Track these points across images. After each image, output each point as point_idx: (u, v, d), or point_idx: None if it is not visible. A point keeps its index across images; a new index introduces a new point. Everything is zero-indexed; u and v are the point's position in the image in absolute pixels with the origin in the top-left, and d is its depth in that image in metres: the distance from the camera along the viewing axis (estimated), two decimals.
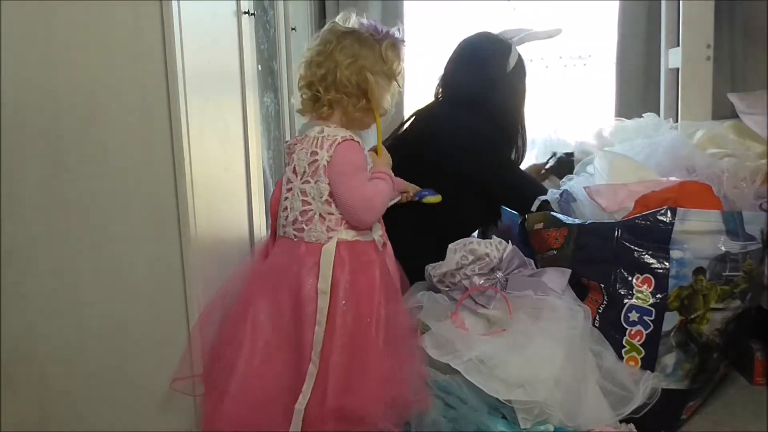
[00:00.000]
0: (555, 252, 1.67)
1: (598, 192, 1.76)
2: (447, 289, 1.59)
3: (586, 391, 1.42)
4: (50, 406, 1.24)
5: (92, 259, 1.20)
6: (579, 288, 1.60)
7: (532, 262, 1.65)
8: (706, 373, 1.59)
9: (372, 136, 1.45)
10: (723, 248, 1.52)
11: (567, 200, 1.90)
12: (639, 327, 1.52)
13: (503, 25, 2.85)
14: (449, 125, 1.84)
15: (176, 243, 1.19)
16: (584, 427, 1.39)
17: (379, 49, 1.35)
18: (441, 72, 2.01)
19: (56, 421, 1.24)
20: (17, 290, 1.20)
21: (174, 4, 1.12)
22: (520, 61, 1.98)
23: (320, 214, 1.30)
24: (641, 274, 1.53)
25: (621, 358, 1.52)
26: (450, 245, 1.59)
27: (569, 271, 1.59)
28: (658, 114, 2.56)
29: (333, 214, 1.31)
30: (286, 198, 1.34)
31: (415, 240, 1.64)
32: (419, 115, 1.96)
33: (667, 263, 1.51)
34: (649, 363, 1.51)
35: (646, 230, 1.54)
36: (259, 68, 1.85)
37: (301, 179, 1.31)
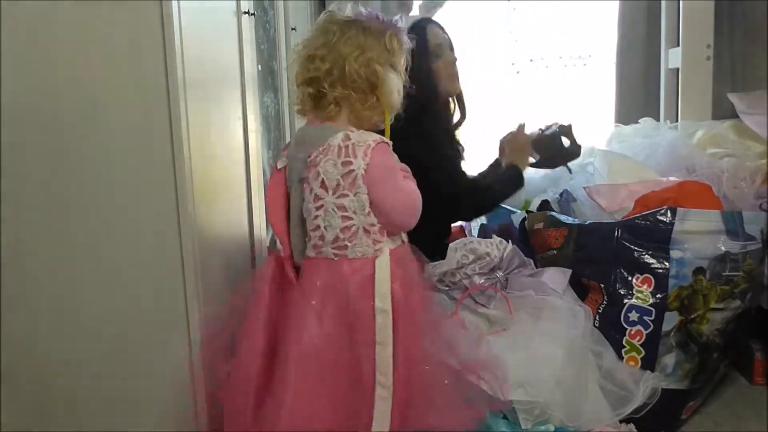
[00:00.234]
0: (555, 252, 1.67)
1: (598, 192, 1.76)
2: (447, 288, 1.59)
3: (586, 392, 1.42)
4: (50, 406, 1.23)
5: (92, 259, 1.20)
6: (579, 288, 1.60)
7: (531, 262, 1.65)
8: (706, 373, 1.59)
9: None
10: (723, 248, 1.52)
11: (567, 200, 1.90)
12: (639, 327, 1.52)
13: (503, 24, 2.86)
14: None
15: (176, 243, 1.19)
16: (584, 427, 1.39)
17: (384, 39, 1.24)
18: None
19: (56, 421, 1.23)
20: (17, 290, 1.20)
21: (174, 4, 1.12)
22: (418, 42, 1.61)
23: (364, 228, 1.19)
24: (641, 274, 1.53)
25: (621, 358, 1.52)
26: (451, 244, 1.59)
27: (569, 271, 1.59)
28: (658, 113, 2.57)
29: (375, 225, 1.20)
30: (317, 216, 1.20)
31: None
32: None
33: (667, 263, 1.51)
34: (649, 363, 1.51)
35: (646, 230, 1.54)
36: (259, 68, 1.85)
37: (334, 194, 1.19)
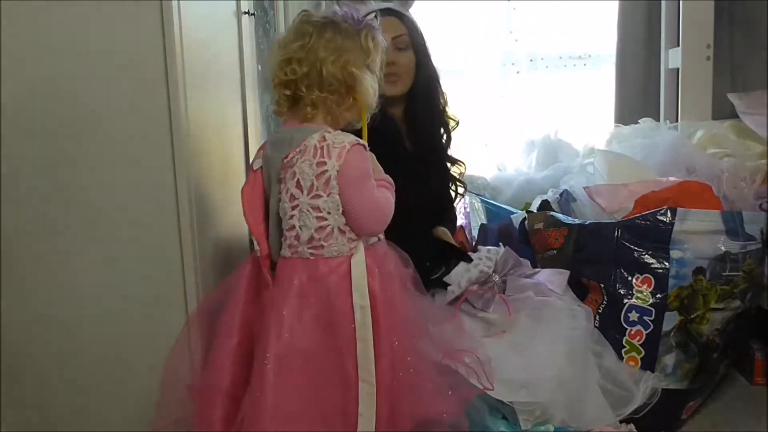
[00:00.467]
0: (555, 252, 1.67)
1: (598, 192, 1.76)
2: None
3: (587, 392, 1.42)
4: (50, 406, 1.23)
5: (92, 259, 1.20)
6: (579, 288, 1.60)
7: (528, 262, 1.65)
8: (706, 373, 1.59)
9: None
10: (723, 248, 1.52)
11: (567, 200, 1.90)
12: (639, 327, 1.52)
13: (503, 24, 2.86)
14: None
15: (176, 243, 1.19)
16: (585, 427, 1.39)
17: (359, 39, 1.23)
18: None
19: (56, 421, 1.23)
20: (17, 290, 1.20)
21: (174, 4, 1.12)
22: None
23: (339, 228, 1.20)
24: (641, 274, 1.53)
25: (621, 358, 1.52)
26: (445, 279, 1.55)
27: (567, 272, 1.59)
28: (658, 114, 2.57)
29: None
30: (292, 216, 1.21)
31: None
32: None
33: (667, 263, 1.51)
34: (649, 363, 1.51)
35: (646, 230, 1.54)
36: (259, 68, 1.85)
37: (309, 194, 1.19)
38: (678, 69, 2.39)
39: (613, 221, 1.62)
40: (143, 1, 1.12)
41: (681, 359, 1.53)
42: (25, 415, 1.23)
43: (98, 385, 1.24)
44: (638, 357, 1.52)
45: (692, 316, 1.52)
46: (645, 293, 1.53)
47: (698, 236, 1.52)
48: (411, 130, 1.76)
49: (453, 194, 1.87)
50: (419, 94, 1.74)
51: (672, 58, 2.49)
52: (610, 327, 1.54)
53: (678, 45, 2.39)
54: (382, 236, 1.29)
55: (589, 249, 1.60)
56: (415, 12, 2.77)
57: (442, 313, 1.44)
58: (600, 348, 1.51)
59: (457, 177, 1.88)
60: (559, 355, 1.41)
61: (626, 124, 2.43)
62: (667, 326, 1.51)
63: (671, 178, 1.75)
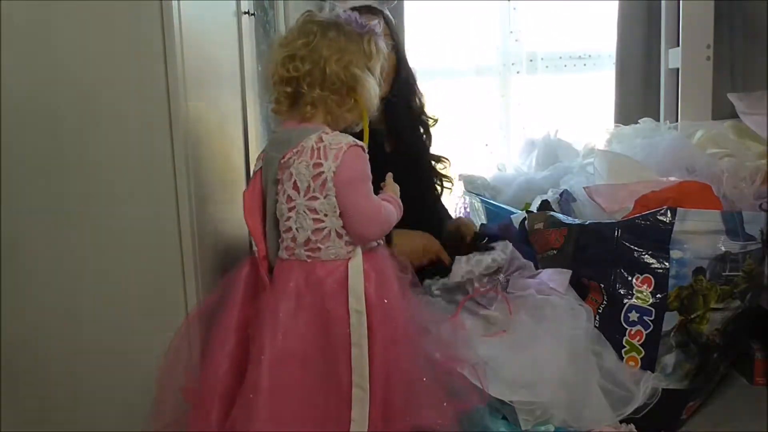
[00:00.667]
0: (555, 252, 1.67)
1: (598, 192, 1.76)
2: (446, 294, 1.58)
3: (588, 392, 1.42)
4: (50, 406, 1.23)
5: (92, 259, 1.20)
6: (579, 288, 1.60)
7: (531, 264, 1.65)
8: (706, 373, 1.59)
9: None
10: (723, 248, 1.52)
11: (567, 200, 1.90)
12: (639, 327, 1.52)
13: (503, 24, 2.85)
14: None
15: (176, 243, 1.19)
16: (585, 427, 1.39)
17: (362, 42, 1.23)
18: None
19: (56, 421, 1.23)
20: (17, 290, 1.20)
21: (174, 4, 1.12)
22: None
23: (336, 230, 1.19)
24: (641, 274, 1.53)
25: (621, 358, 1.52)
26: (457, 256, 1.56)
27: (569, 271, 1.59)
28: (658, 113, 2.57)
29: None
30: (289, 218, 1.20)
31: None
32: None
33: (666, 263, 1.51)
34: (649, 363, 1.51)
35: (646, 230, 1.54)
36: (259, 68, 1.85)
37: (305, 196, 1.18)
38: (678, 69, 2.39)
39: (613, 221, 1.61)
40: (143, 1, 1.12)
41: (681, 359, 1.53)
42: (25, 415, 1.23)
43: (98, 386, 1.24)
44: (638, 357, 1.52)
45: (692, 316, 1.52)
46: (645, 293, 1.52)
47: (698, 236, 1.52)
48: (391, 131, 1.76)
49: (439, 190, 1.91)
50: (399, 94, 1.73)
51: (672, 58, 2.49)
52: (610, 327, 1.54)
53: (678, 45, 2.39)
54: (381, 241, 1.28)
55: (589, 249, 1.60)
56: (415, 12, 2.78)
57: (440, 318, 1.43)
58: (600, 348, 1.51)
59: (443, 174, 1.89)
60: (561, 354, 1.41)
61: (626, 124, 2.43)
62: (667, 326, 1.51)
63: (671, 178, 1.75)
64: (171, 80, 1.14)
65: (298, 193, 1.19)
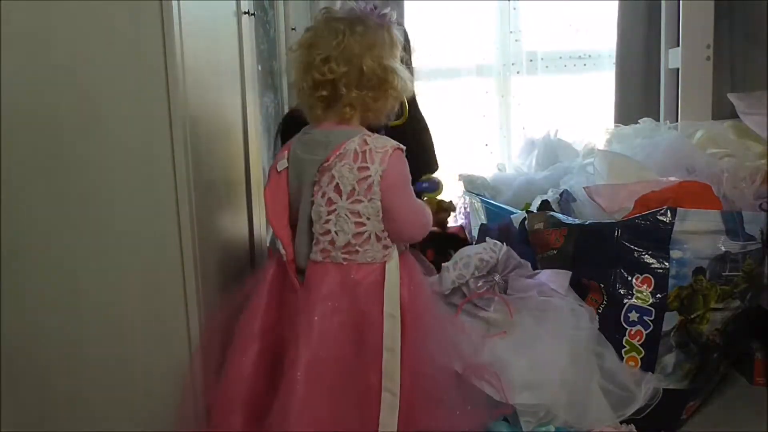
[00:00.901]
0: (555, 252, 1.67)
1: (598, 192, 1.76)
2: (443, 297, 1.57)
3: (590, 393, 1.42)
4: (50, 406, 1.23)
5: (92, 259, 1.20)
6: (579, 288, 1.60)
7: (529, 264, 1.65)
8: (706, 373, 1.59)
9: None
10: (723, 248, 1.52)
11: (567, 200, 1.90)
12: (639, 327, 1.52)
13: (503, 24, 2.85)
14: None
15: (176, 243, 1.19)
16: (586, 428, 1.39)
17: (384, 33, 1.22)
18: None
19: (56, 421, 1.23)
20: (17, 290, 1.20)
21: (174, 4, 1.12)
22: None
23: (376, 234, 1.18)
24: (641, 274, 1.53)
25: (621, 358, 1.52)
26: (443, 264, 1.56)
27: (569, 272, 1.59)
28: (658, 113, 2.57)
29: (386, 231, 1.20)
30: (328, 221, 1.18)
31: None
32: None
33: (666, 263, 1.51)
34: (649, 363, 1.51)
35: (646, 230, 1.54)
36: (259, 68, 1.85)
37: (348, 199, 1.17)
38: (678, 69, 2.39)
39: (613, 221, 1.62)
40: (143, 1, 1.12)
41: (681, 359, 1.53)
42: (25, 415, 1.23)
43: (98, 386, 1.24)
44: (638, 357, 1.52)
45: (692, 316, 1.52)
46: (645, 293, 1.53)
47: (698, 236, 1.52)
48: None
49: None
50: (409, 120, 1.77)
51: (672, 58, 2.49)
52: (610, 327, 1.54)
53: (678, 45, 2.39)
54: (407, 246, 1.28)
55: (589, 249, 1.60)
56: (415, 12, 2.78)
57: (465, 327, 1.44)
58: (601, 349, 1.51)
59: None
60: (563, 356, 1.41)
61: (626, 124, 2.43)
62: (667, 326, 1.51)
63: (671, 178, 1.75)
64: (171, 80, 1.13)
65: (340, 196, 1.18)
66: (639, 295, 1.53)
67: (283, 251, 1.25)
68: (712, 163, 1.85)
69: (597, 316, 1.55)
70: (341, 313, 1.17)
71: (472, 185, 2.40)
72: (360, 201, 1.17)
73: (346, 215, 1.18)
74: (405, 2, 2.75)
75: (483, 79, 2.94)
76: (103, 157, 1.17)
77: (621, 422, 1.44)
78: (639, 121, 2.35)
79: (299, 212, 1.24)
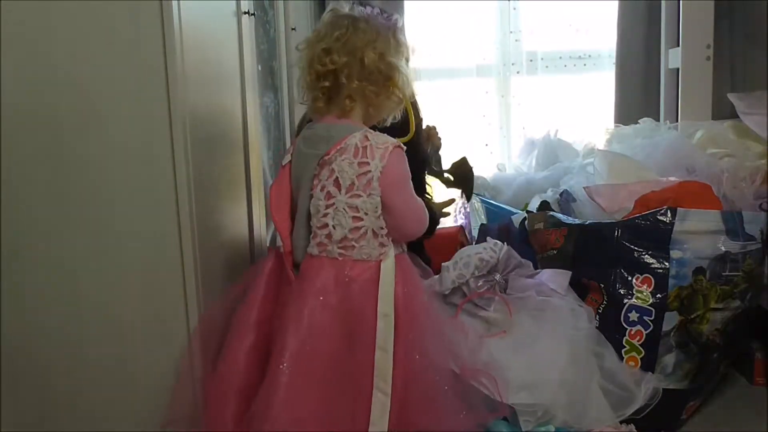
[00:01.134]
0: (555, 252, 1.67)
1: (598, 192, 1.76)
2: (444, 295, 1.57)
3: (589, 392, 1.42)
4: (50, 406, 1.23)
5: (92, 259, 1.20)
6: (579, 288, 1.60)
7: (530, 263, 1.65)
8: (706, 373, 1.59)
9: None
10: (723, 248, 1.52)
11: (567, 200, 1.90)
12: (639, 327, 1.52)
13: (503, 24, 2.85)
14: None
15: (176, 243, 1.19)
16: (585, 427, 1.39)
17: (389, 35, 1.24)
18: None
19: (56, 421, 1.23)
20: (17, 290, 1.20)
21: (174, 4, 1.12)
22: None
23: (373, 230, 1.19)
24: (641, 274, 1.53)
25: (621, 358, 1.52)
26: (443, 264, 1.56)
27: (569, 272, 1.59)
28: (658, 113, 2.58)
29: (384, 228, 1.20)
30: (326, 214, 1.19)
31: None
32: None
33: (666, 263, 1.51)
34: (649, 363, 1.51)
35: (646, 230, 1.54)
36: (259, 68, 1.85)
37: (347, 193, 1.18)
38: (678, 69, 2.39)
39: (613, 221, 1.62)
40: (143, 1, 1.12)
41: (681, 359, 1.53)
42: (25, 415, 1.23)
43: (98, 385, 1.24)
44: (638, 357, 1.52)
45: (692, 316, 1.52)
46: (645, 293, 1.53)
47: (698, 236, 1.52)
48: None
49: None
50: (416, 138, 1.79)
51: (672, 58, 2.49)
52: (610, 327, 1.54)
53: (678, 45, 2.39)
54: (405, 246, 1.28)
55: (589, 249, 1.60)
56: (415, 12, 2.78)
57: (461, 327, 1.44)
58: (601, 349, 1.51)
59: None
60: (562, 355, 1.41)
61: (626, 124, 2.43)
62: (667, 326, 1.51)
63: (671, 178, 1.76)
64: (171, 80, 1.13)
65: (339, 190, 1.18)
66: (639, 295, 1.53)
67: (280, 244, 1.26)
68: (712, 163, 1.85)
69: (597, 316, 1.55)
70: (333, 308, 1.17)
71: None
72: (359, 196, 1.18)
73: (344, 209, 1.18)
74: (405, 2, 2.76)
75: (483, 79, 2.94)
76: (103, 157, 1.16)
77: (621, 422, 1.44)
78: (639, 121, 2.36)
79: (298, 205, 1.25)
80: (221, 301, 1.26)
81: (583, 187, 1.82)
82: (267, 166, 1.92)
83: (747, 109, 2.16)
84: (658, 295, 1.51)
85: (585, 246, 1.61)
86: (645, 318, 1.52)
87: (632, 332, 1.52)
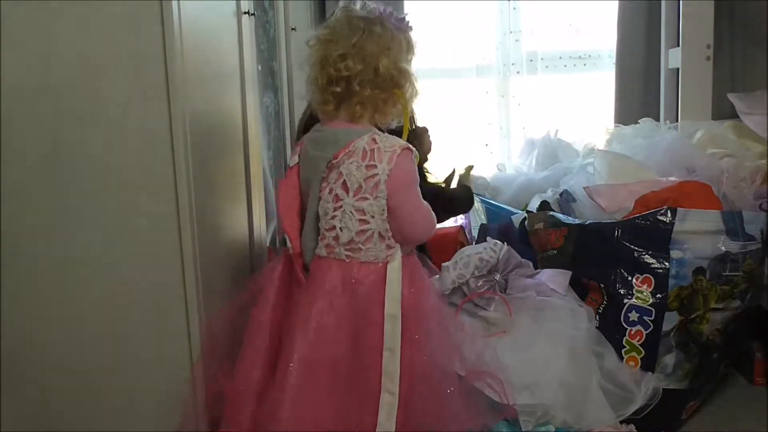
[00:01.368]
0: (555, 252, 1.67)
1: (598, 192, 1.76)
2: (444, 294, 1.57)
3: (589, 392, 1.42)
4: (50, 406, 1.23)
5: (92, 259, 1.20)
6: (579, 288, 1.60)
7: (530, 263, 1.65)
8: (706, 373, 1.59)
9: None
10: (723, 248, 1.52)
11: (567, 200, 1.90)
12: (639, 327, 1.52)
13: (503, 24, 2.86)
14: None
15: (176, 243, 1.19)
16: (585, 427, 1.39)
17: (401, 37, 1.23)
18: None
19: (56, 421, 1.23)
20: (17, 291, 1.20)
21: (174, 4, 1.12)
22: None
23: (380, 233, 1.19)
24: (641, 274, 1.53)
25: (621, 358, 1.52)
26: (443, 264, 1.56)
27: (569, 272, 1.59)
28: (658, 113, 2.58)
29: (390, 230, 1.20)
30: (334, 217, 1.19)
31: None
32: None
33: (667, 263, 1.51)
34: (649, 363, 1.51)
35: (646, 230, 1.54)
36: (259, 68, 1.85)
37: (355, 196, 1.18)
38: (678, 69, 2.39)
39: (613, 221, 1.62)
40: (143, 1, 1.12)
41: (681, 359, 1.53)
42: (25, 415, 1.23)
43: (99, 385, 1.24)
44: (638, 357, 1.52)
45: (692, 316, 1.52)
46: (645, 293, 1.53)
47: (698, 236, 1.52)
48: None
49: None
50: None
51: (672, 58, 2.49)
52: (610, 327, 1.54)
53: (678, 45, 2.39)
54: (413, 250, 1.28)
55: (589, 249, 1.60)
56: (415, 12, 2.78)
57: (470, 330, 1.44)
58: (601, 349, 1.51)
59: None
60: (562, 355, 1.41)
61: (626, 124, 2.43)
62: (667, 326, 1.51)
63: (671, 178, 1.76)
64: (171, 80, 1.13)
65: (347, 193, 1.18)
66: (639, 295, 1.53)
67: (289, 245, 1.26)
68: (712, 163, 1.85)
69: (597, 316, 1.55)
70: (340, 310, 1.17)
71: (472, 185, 2.40)
72: (366, 198, 1.18)
73: (351, 212, 1.19)
74: (405, 2, 2.76)
75: (483, 79, 2.94)
76: (102, 157, 1.16)
77: (621, 422, 1.44)
78: (639, 121, 2.36)
79: (308, 207, 1.25)
80: (228, 309, 1.26)
81: (583, 187, 1.82)
82: (267, 166, 1.92)
83: (747, 109, 2.16)
84: (658, 295, 1.51)
85: (585, 246, 1.61)
86: (645, 318, 1.52)
87: (632, 332, 1.52)
